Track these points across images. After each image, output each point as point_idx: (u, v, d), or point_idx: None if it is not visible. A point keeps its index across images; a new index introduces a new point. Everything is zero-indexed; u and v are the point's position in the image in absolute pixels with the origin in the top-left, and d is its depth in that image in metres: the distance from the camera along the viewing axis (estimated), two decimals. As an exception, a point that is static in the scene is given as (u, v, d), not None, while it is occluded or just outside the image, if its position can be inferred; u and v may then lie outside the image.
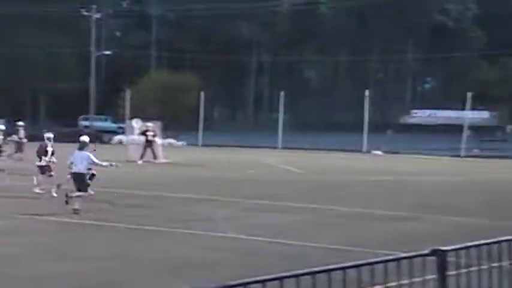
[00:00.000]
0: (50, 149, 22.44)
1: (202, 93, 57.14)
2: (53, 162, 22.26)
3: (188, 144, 54.57)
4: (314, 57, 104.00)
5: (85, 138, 19.49)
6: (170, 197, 21.90)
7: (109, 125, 70.04)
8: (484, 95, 64.96)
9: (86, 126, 65.49)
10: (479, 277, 5.36)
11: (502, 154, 50.45)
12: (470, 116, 56.24)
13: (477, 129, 60.52)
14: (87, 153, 19.12)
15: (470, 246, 5.43)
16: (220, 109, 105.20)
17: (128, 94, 56.23)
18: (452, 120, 60.98)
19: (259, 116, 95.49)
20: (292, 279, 4.50)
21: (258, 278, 4.33)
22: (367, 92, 56.99)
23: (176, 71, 69.61)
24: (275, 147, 52.32)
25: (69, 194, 18.68)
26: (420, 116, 65.84)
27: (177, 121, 54.99)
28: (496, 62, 76.36)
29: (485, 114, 61.66)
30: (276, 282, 4.41)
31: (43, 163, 22.23)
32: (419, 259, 5.19)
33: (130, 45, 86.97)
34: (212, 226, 16.62)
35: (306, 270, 4.51)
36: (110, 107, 69.69)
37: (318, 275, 4.57)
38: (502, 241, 5.62)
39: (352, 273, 4.78)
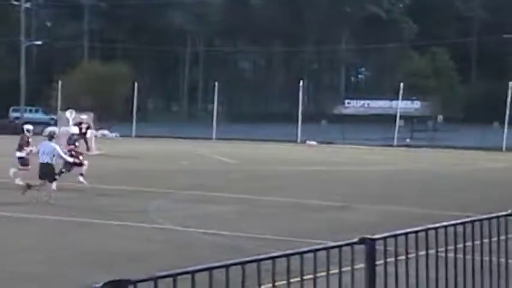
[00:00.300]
0: (30, 141, 22.58)
1: (135, 84, 56.61)
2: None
3: (122, 136, 54.04)
4: (248, 48, 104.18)
5: (53, 129, 19.41)
6: (103, 189, 21.65)
7: (40, 116, 68.84)
8: (416, 85, 66.01)
9: (16, 118, 64.24)
10: (406, 265, 5.43)
11: (433, 144, 51.40)
12: (402, 106, 57.07)
13: (409, 119, 61.47)
14: (54, 145, 19.35)
15: (398, 235, 5.49)
16: (155, 100, 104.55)
17: (59, 85, 55.31)
18: (385, 110, 61.75)
19: (194, 107, 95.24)
20: (223, 270, 4.47)
21: (187, 269, 4.30)
22: (301, 83, 57.29)
23: (109, 62, 68.75)
24: (210, 138, 52.22)
25: (31, 184, 19.00)
26: (354, 106, 66.38)
27: (110, 112, 54.34)
28: (427, 52, 77.67)
29: (417, 104, 62.55)
30: (205, 273, 4.37)
31: (23, 154, 22.37)
32: (348, 248, 5.21)
33: (61, 35, 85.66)
34: (146, 218, 16.50)
35: (235, 260, 4.49)
36: (41, 98, 68.51)
37: (247, 265, 4.54)
38: (429, 229, 5.70)
39: (281, 262, 4.77)
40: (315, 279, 4.90)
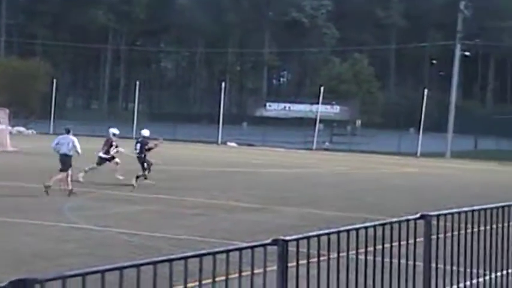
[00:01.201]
0: (114, 144, 24.23)
1: (54, 81, 55.59)
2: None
3: (39, 133, 53.00)
4: (171, 48, 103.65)
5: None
6: (17, 187, 21.19)
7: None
8: (336, 90, 66.92)
9: None
10: (318, 267, 5.49)
11: (352, 148, 52.24)
12: (322, 110, 57.81)
13: (329, 123, 62.27)
14: (73, 137, 20.91)
15: (311, 236, 5.55)
16: (75, 98, 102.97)
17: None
18: (305, 114, 62.42)
19: (115, 106, 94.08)
20: (134, 269, 4.44)
21: (97, 268, 4.25)
22: (223, 84, 57.37)
23: (27, 58, 67.32)
24: (130, 138, 51.65)
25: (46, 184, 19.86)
26: (275, 109, 66.88)
27: (27, 109, 53.24)
28: (347, 58, 78.81)
29: (336, 108, 63.43)
30: (117, 272, 4.34)
31: (107, 156, 24.00)
32: (262, 249, 5.23)
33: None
34: (62, 217, 16.24)
35: (146, 260, 4.46)
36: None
37: (160, 265, 4.53)
38: (341, 231, 5.78)
39: (194, 263, 4.77)
40: (226, 280, 4.91)
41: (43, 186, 19.74)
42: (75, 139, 20.82)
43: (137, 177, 22.77)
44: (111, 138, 24.41)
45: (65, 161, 20.38)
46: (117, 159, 24.14)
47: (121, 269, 4.29)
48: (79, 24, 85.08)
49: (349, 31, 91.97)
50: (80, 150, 20.80)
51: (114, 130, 24.72)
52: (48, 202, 18.67)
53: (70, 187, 20.09)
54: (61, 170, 20.24)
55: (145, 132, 24.83)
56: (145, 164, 23.54)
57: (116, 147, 24.24)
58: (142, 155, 23.69)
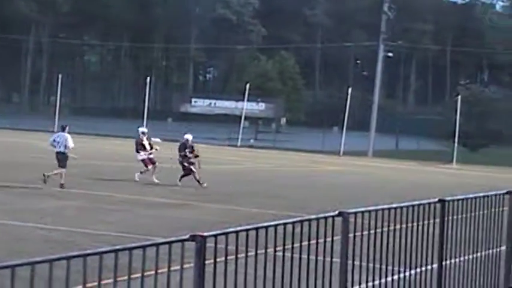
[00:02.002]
0: (146, 143, 24.31)
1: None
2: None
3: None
4: (96, 41, 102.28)
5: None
6: None
7: None
8: (262, 87, 67.16)
9: None
10: (236, 263, 5.50)
11: (276, 145, 52.56)
12: (248, 107, 57.96)
13: (254, 121, 62.48)
14: (67, 135, 21.56)
15: (229, 232, 5.55)
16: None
17: None
18: (231, 110, 62.50)
19: (36, 99, 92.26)
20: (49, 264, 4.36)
21: (8, 263, 4.15)
22: (148, 79, 56.91)
23: None
24: (52, 131, 50.78)
25: (46, 174, 20.69)
26: (200, 105, 66.73)
27: None
28: (273, 55, 79.22)
29: (262, 106, 63.69)
30: (31, 267, 4.25)
31: (144, 156, 24.02)
32: (179, 245, 5.20)
33: None
34: (-22, 211, 15.83)
35: (60, 255, 4.39)
36: None
37: (73, 260, 4.45)
38: (259, 227, 5.80)
39: (109, 258, 4.71)
40: (142, 277, 4.86)
41: (42, 175, 20.60)
42: (68, 136, 21.54)
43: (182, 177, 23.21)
44: (140, 138, 24.56)
45: (62, 159, 21.23)
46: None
47: (33, 264, 4.20)
48: (0, 15, 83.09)
49: (275, 29, 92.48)
50: (71, 146, 21.44)
51: (142, 129, 25.45)
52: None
53: (63, 181, 20.89)
54: (60, 166, 21.14)
55: (190, 137, 24.49)
56: (186, 165, 23.34)
57: (150, 145, 24.44)
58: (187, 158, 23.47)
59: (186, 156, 23.69)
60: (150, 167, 23.92)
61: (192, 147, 24.09)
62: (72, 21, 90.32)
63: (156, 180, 23.51)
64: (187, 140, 24.27)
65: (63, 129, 21.96)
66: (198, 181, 22.97)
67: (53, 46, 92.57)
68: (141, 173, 23.81)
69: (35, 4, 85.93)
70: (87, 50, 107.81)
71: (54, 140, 21.69)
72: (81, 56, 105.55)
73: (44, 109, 77.75)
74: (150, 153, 24.29)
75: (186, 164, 23.55)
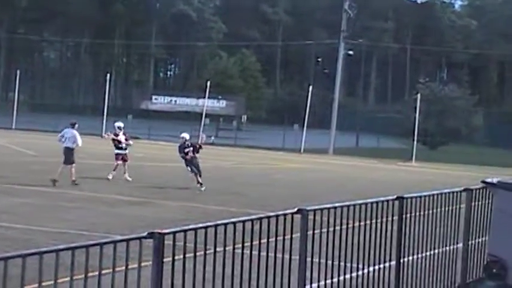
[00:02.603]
0: (122, 138, 24.27)
1: None
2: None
3: None
4: (55, 37, 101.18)
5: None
6: None
7: None
8: (222, 85, 67.14)
9: None
10: (194, 260, 5.48)
11: (237, 143, 52.54)
12: (209, 104, 57.82)
13: (215, 118, 62.36)
14: (75, 131, 21.96)
15: (188, 230, 5.53)
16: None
17: None
18: (191, 107, 62.32)
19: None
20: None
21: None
22: (108, 76, 56.46)
23: None
24: (9, 128, 50.22)
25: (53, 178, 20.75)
26: (161, 102, 66.41)
27: None
28: (234, 53, 79.17)
29: (223, 103, 63.60)
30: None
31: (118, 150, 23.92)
32: (137, 242, 5.17)
33: None
34: None
35: (14, 253, 4.33)
36: None
37: (29, 258, 4.39)
38: (218, 225, 5.79)
39: (66, 256, 4.66)
40: (99, 275, 4.82)
41: (50, 180, 20.68)
42: (76, 133, 21.92)
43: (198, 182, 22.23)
44: (115, 133, 24.48)
45: (67, 154, 21.62)
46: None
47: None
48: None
49: (236, 26, 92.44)
50: (80, 143, 21.94)
51: (118, 123, 25.07)
52: None
53: (74, 177, 21.32)
54: (64, 163, 21.44)
55: (187, 135, 23.59)
56: (193, 168, 22.66)
57: (126, 140, 24.29)
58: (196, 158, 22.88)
59: (189, 155, 22.85)
60: (119, 162, 23.65)
61: (195, 145, 23.15)
62: (31, 16, 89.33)
63: (129, 178, 23.22)
64: (184, 138, 23.27)
65: (72, 126, 22.32)
66: (200, 183, 22.29)
67: (11, 42, 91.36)
68: (113, 170, 23.52)
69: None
70: (46, 46, 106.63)
71: (62, 136, 22.07)
72: (40, 52, 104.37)
73: (1, 105, 76.68)
74: (125, 149, 24.09)
75: (193, 167, 22.83)
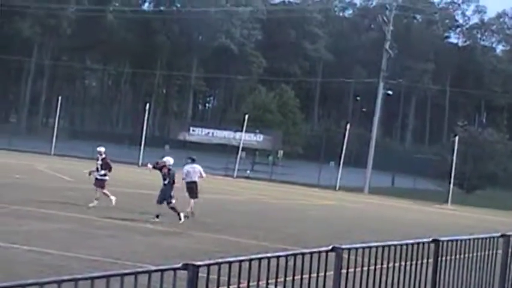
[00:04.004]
0: (98, 163, 23.85)
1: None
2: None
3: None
4: (97, 66, 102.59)
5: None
6: None
7: None
8: (260, 119, 67.27)
9: None
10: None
11: (272, 178, 52.51)
12: (245, 138, 57.97)
13: (251, 152, 62.45)
14: (198, 166, 23.23)
15: (222, 263, 5.52)
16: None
17: None
18: (228, 140, 62.49)
19: (34, 120, 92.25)
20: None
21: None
22: (147, 106, 56.98)
23: None
24: (48, 154, 50.81)
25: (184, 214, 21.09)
26: (198, 134, 66.72)
27: None
28: (273, 88, 79.43)
29: (259, 137, 63.70)
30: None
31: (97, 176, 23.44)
32: (171, 273, 5.17)
33: None
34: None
35: (51, 279, 4.36)
36: None
37: (64, 284, 4.42)
38: (252, 259, 5.77)
39: (101, 284, 4.68)
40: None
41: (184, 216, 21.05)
42: (199, 167, 23.26)
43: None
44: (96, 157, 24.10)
45: (193, 188, 22.76)
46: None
47: (24, 286, 4.18)
48: (3, 36, 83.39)
49: (276, 61, 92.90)
50: (204, 175, 23.34)
51: (99, 148, 24.49)
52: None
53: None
54: (191, 197, 22.68)
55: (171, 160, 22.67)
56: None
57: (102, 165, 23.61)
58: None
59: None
60: (97, 188, 22.97)
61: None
62: (74, 44, 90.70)
63: (91, 205, 22.08)
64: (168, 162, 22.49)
65: (192, 161, 23.53)
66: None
67: (54, 68, 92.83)
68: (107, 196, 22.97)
69: (39, 27, 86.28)
70: (88, 74, 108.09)
71: (187, 171, 23.01)
72: (82, 79, 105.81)
73: (41, 131, 77.70)
74: (104, 175, 23.45)
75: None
